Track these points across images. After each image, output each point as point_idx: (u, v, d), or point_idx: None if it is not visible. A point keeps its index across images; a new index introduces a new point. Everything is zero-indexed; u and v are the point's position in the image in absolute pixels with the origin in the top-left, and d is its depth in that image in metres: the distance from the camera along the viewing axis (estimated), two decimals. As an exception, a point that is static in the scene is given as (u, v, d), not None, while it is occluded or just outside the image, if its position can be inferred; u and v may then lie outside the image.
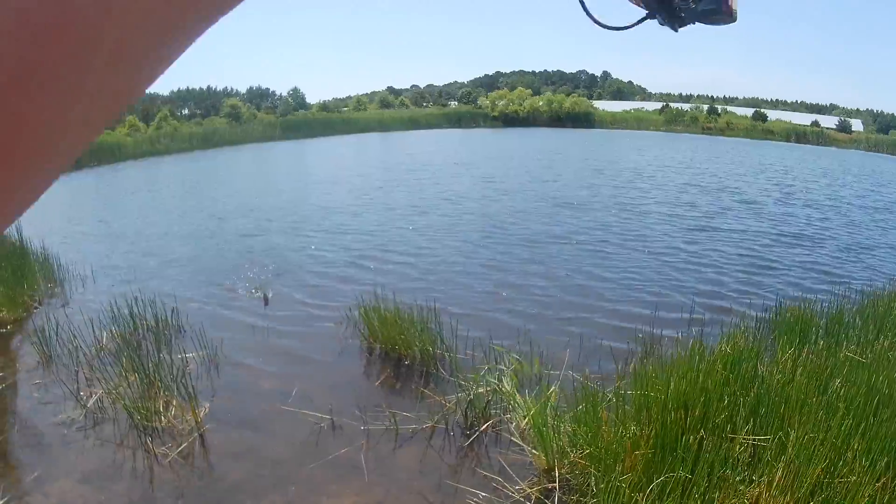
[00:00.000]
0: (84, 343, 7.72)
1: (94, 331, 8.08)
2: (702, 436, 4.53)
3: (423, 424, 6.03)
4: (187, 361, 7.34)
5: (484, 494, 4.97)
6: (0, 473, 5.42)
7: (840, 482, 4.15)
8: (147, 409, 6.07)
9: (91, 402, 6.41)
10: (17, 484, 5.22)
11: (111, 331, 8.12)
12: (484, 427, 5.92)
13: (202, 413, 6.15)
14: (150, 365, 6.79)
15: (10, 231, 11.02)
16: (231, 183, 27.94)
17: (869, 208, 21.14)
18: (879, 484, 4.11)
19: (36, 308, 9.77)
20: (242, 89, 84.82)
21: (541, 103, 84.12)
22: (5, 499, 4.91)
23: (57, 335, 8.01)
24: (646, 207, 19.17)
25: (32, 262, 11.01)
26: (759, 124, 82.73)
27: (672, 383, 5.19)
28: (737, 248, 13.76)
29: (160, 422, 6.04)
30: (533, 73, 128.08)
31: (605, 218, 17.02)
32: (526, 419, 5.57)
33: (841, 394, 5.21)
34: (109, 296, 9.56)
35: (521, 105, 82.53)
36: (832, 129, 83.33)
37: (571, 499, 4.83)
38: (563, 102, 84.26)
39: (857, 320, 8.10)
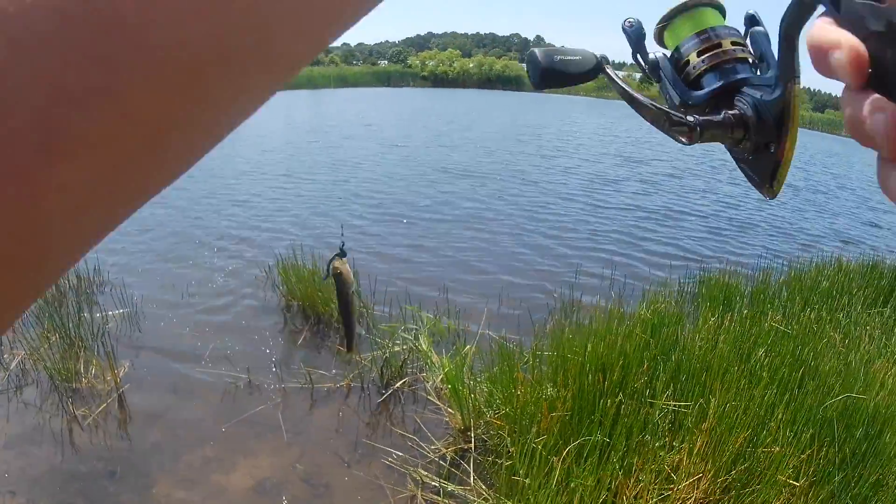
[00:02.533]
0: None
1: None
2: (620, 400, 4.53)
3: (339, 382, 6.04)
4: (108, 320, 7.18)
5: (399, 454, 4.99)
6: None
7: (763, 452, 4.19)
8: (68, 370, 5.96)
9: (13, 364, 6.25)
10: None
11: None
12: (399, 385, 5.93)
13: (121, 373, 6.06)
14: (71, 324, 6.63)
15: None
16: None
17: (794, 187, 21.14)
18: (805, 455, 4.16)
19: None
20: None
21: (471, 65, 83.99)
22: None
23: None
24: (567, 168, 19.36)
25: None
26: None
27: (590, 346, 5.19)
28: (657, 220, 13.67)
29: (80, 383, 5.94)
30: (465, 34, 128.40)
31: (527, 179, 17.00)
32: (441, 377, 5.59)
33: (765, 363, 5.24)
34: None
35: (451, 66, 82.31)
36: None
37: (487, 459, 4.86)
38: (494, 65, 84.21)
39: (784, 291, 8.19)
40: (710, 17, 1.08)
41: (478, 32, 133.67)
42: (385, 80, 78.50)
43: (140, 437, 5.23)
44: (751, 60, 1.04)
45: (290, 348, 6.88)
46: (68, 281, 8.09)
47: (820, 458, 4.21)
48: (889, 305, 8.11)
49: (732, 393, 4.67)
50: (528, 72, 1.09)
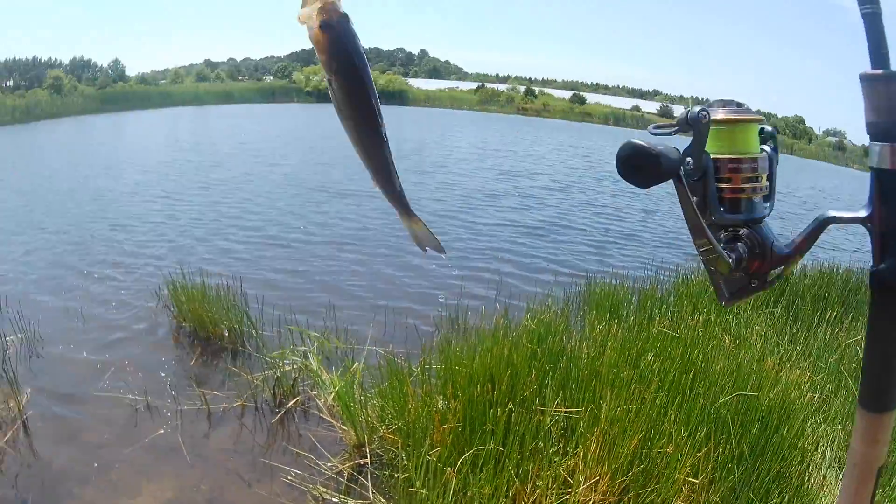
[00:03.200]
0: None
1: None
2: (510, 409, 4.62)
3: (234, 403, 6.06)
4: (7, 344, 7.06)
5: (298, 472, 5.03)
6: None
7: (659, 452, 4.30)
8: None
9: None
10: None
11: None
12: (292, 404, 5.99)
13: (24, 400, 5.97)
14: None
15: None
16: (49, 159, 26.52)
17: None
18: (701, 454, 4.28)
19: None
20: (66, 60, 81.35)
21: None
22: None
23: None
24: (447, 184, 19.43)
25: None
26: (576, 107, 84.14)
27: (477, 357, 5.32)
28: (540, 234, 13.75)
29: None
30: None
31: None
32: (332, 395, 5.66)
33: (654, 368, 5.36)
34: None
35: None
36: (653, 113, 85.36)
37: (384, 473, 4.91)
38: (378, 80, 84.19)
39: (672, 297, 8.37)
40: (753, 141, 1.22)
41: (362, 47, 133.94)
42: (270, 95, 77.44)
43: (47, 463, 5.18)
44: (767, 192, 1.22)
45: (184, 370, 6.85)
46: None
47: (717, 455, 4.35)
48: (779, 304, 8.34)
49: (623, 397, 4.78)
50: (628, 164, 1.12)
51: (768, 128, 1.21)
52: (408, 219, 2.68)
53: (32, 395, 6.08)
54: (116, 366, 6.73)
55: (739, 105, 1.21)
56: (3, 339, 7.08)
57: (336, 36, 1.69)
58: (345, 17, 1.70)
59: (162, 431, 5.58)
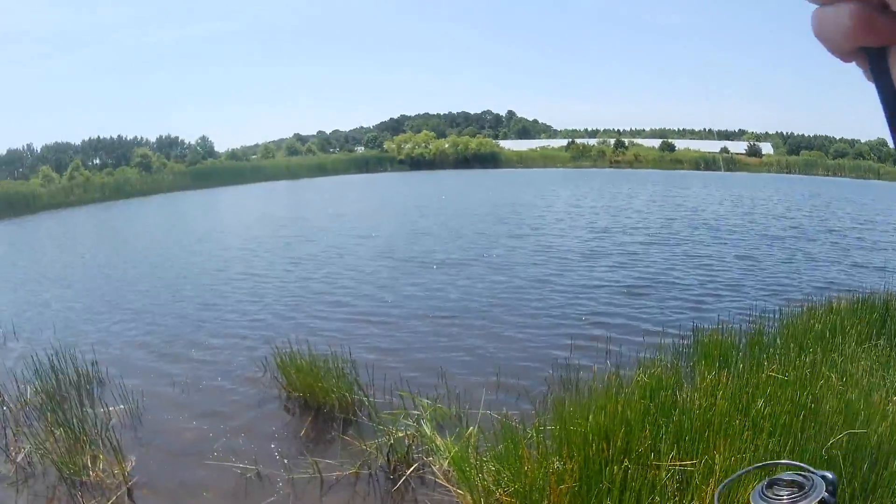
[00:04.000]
0: (10, 398, 7.63)
1: (17, 385, 7.95)
2: (626, 466, 4.55)
3: (347, 471, 6.02)
4: (111, 415, 7.27)
5: None
6: None
7: None
8: (75, 463, 5.99)
9: (20, 457, 6.32)
10: None
11: (35, 385, 7.94)
12: (406, 470, 5.91)
13: (129, 466, 6.10)
14: (75, 419, 6.67)
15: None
16: (143, 236, 27.28)
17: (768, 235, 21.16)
18: None
19: None
20: (152, 138, 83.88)
21: (446, 145, 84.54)
22: None
23: None
24: (546, 246, 19.06)
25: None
26: (667, 154, 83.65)
27: (591, 416, 5.25)
28: (643, 286, 13.63)
29: (89, 476, 5.96)
30: (438, 115, 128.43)
31: (505, 262, 16.71)
32: (448, 460, 5.61)
33: (765, 413, 5.29)
34: (29, 349, 9.53)
35: (427, 148, 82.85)
36: (742, 154, 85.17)
37: None
38: (469, 144, 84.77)
39: (778, 340, 8.19)
40: None
41: (450, 112, 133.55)
42: (363, 165, 78.35)
43: None
44: None
45: (295, 438, 6.89)
46: (68, 377, 8.17)
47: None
48: (882, 337, 8.20)
49: (737, 446, 4.70)
50: None
51: None
52: None
53: (137, 462, 6.20)
54: (225, 435, 6.83)
55: None
56: (106, 408, 7.29)
57: None
58: None
59: (273, 499, 5.60)
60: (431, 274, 15.08)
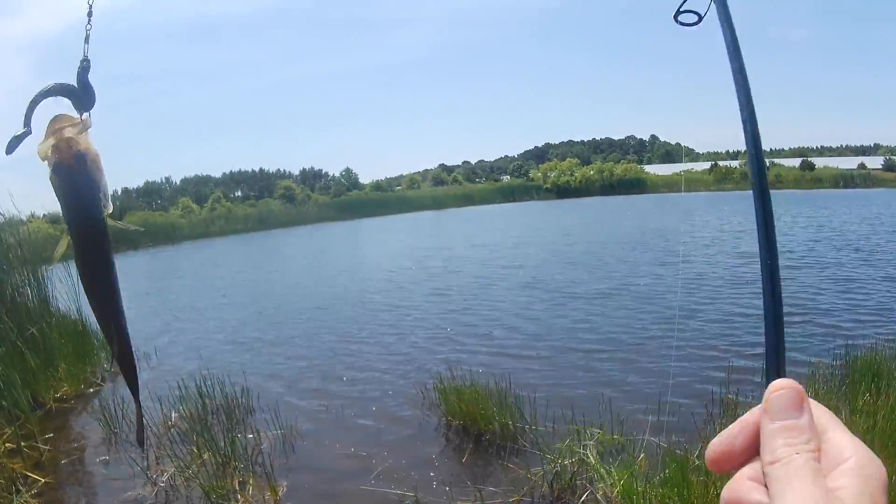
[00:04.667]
0: (152, 421, 7.65)
1: (161, 409, 8.05)
2: None
3: (510, 498, 5.84)
4: (261, 440, 7.29)
5: None
6: None
7: None
8: (222, 487, 5.99)
9: (163, 480, 6.36)
10: None
11: (180, 409, 8.06)
12: (578, 501, 5.67)
13: (280, 492, 6.06)
14: (224, 443, 6.71)
15: (70, 308, 11.01)
16: (292, 261, 27.98)
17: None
18: None
19: (99, 385, 9.84)
20: (295, 171, 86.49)
21: (592, 172, 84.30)
22: None
23: (123, 412, 8.05)
24: (700, 274, 18.43)
25: (93, 339, 10.98)
26: (807, 174, 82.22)
27: None
28: (790, 308, 13.07)
29: (237, 500, 5.94)
30: (582, 142, 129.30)
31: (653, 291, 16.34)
32: (617, 488, 5.44)
33: None
34: (174, 374, 9.72)
35: (573, 175, 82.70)
36: (879, 169, 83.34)
37: None
38: (615, 170, 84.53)
39: None
40: None
41: (593, 138, 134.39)
42: (509, 194, 78.97)
43: None
44: None
45: (455, 466, 6.75)
46: (215, 402, 8.27)
47: None
48: None
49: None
50: None
51: None
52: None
53: (289, 488, 6.16)
54: (382, 461, 6.75)
55: None
56: (256, 434, 7.31)
57: (65, 182, 1.72)
58: (81, 158, 1.72)
59: None
60: (578, 304, 14.81)
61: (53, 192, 1.77)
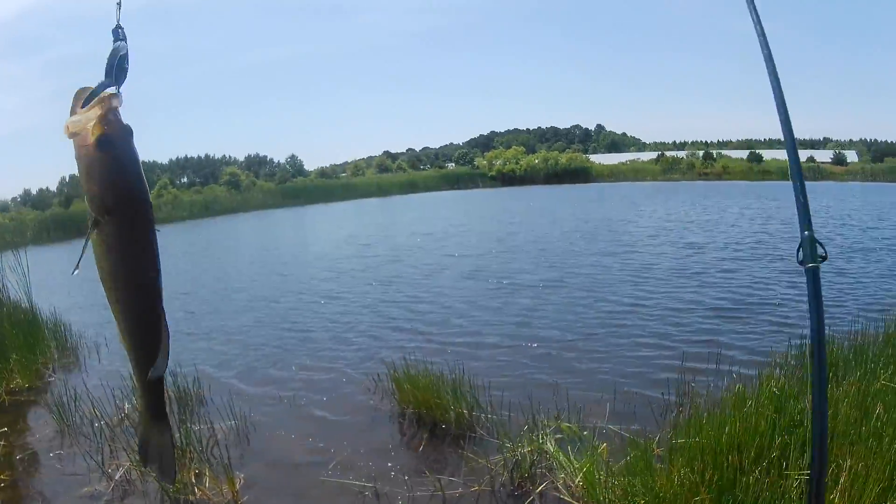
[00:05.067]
0: (105, 413, 7.64)
1: (114, 401, 8.00)
2: (757, 476, 4.62)
3: (470, 488, 5.88)
4: (216, 431, 7.23)
5: None
6: None
7: None
8: (179, 480, 5.90)
9: (118, 474, 6.30)
10: None
11: (133, 401, 7.89)
12: (534, 488, 5.74)
13: (238, 484, 6.03)
14: (179, 435, 6.62)
15: (21, 297, 11.05)
16: (237, 249, 27.97)
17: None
18: None
19: (51, 377, 9.80)
20: (240, 157, 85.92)
21: (537, 161, 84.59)
22: None
23: (76, 404, 7.94)
24: (646, 265, 18.59)
25: (43, 329, 11.00)
26: (755, 166, 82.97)
27: (727, 426, 5.24)
28: (742, 297, 13.55)
29: (194, 494, 5.92)
30: (527, 130, 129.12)
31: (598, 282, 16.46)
32: (579, 475, 5.52)
33: (885, 420, 5.29)
34: (126, 364, 9.38)
35: (518, 164, 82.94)
36: (828, 162, 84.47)
37: None
38: (560, 159, 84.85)
39: (890, 350, 7.86)
40: None
41: (539, 127, 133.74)
42: (454, 182, 78.96)
43: None
44: None
45: (412, 455, 6.78)
46: (167, 392, 8.16)
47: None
48: None
49: (861, 453, 4.74)
50: None
51: None
52: (155, 424, 2.19)
53: (246, 480, 6.15)
54: (339, 451, 6.77)
55: None
56: (210, 425, 7.25)
57: (117, 158, 1.60)
58: (129, 131, 1.63)
59: None
60: (527, 293, 14.90)
61: (86, 169, 1.66)
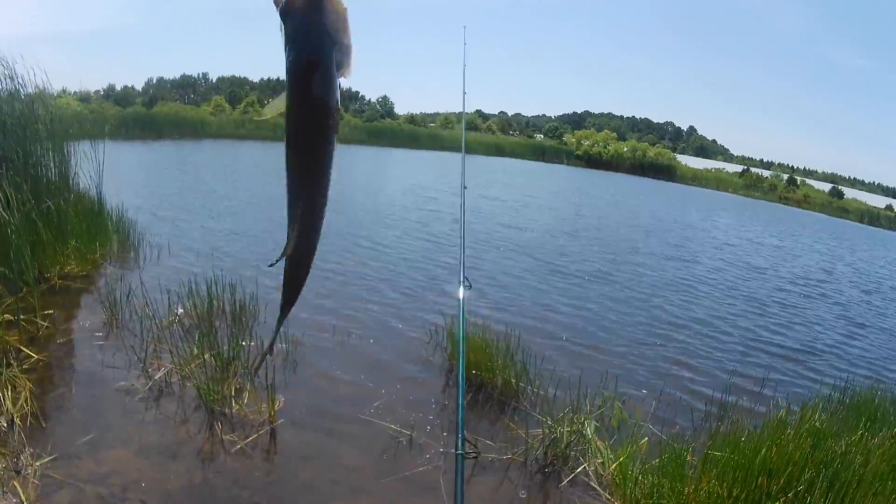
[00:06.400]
0: (156, 313, 7.72)
1: (169, 303, 8.13)
2: None
3: (503, 455, 5.94)
4: (262, 349, 7.15)
5: None
6: (51, 428, 5.41)
7: None
8: (218, 392, 6.04)
9: (159, 375, 6.43)
10: (67, 443, 5.20)
11: (186, 305, 8.10)
12: (566, 468, 5.79)
13: (278, 405, 6.12)
14: (227, 347, 6.74)
15: (90, 187, 11.12)
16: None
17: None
18: None
19: (106, 269, 9.94)
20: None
21: (625, 149, 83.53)
22: (53, 456, 4.90)
23: (127, 299, 8.11)
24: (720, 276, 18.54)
25: (107, 221, 11.10)
26: (835, 201, 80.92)
27: (764, 450, 5.21)
28: (800, 328, 13.39)
29: (231, 408, 6.03)
30: (621, 117, 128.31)
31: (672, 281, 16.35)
32: (613, 466, 5.59)
33: None
34: (185, 272, 9.72)
35: (606, 148, 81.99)
36: None
37: None
38: (648, 151, 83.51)
39: None
40: None
41: (633, 116, 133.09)
42: (540, 154, 77.76)
43: (290, 474, 5.27)
44: None
45: (453, 412, 6.73)
46: (222, 303, 8.34)
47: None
48: None
49: None
50: None
51: None
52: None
53: (286, 405, 6.23)
54: (382, 395, 6.84)
55: None
56: (260, 343, 7.29)
57: (292, 33, 1.48)
58: (319, 4, 1.47)
59: (422, 469, 5.55)
60: (589, 280, 14.70)
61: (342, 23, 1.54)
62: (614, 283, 14.73)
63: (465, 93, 7.56)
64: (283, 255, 1.73)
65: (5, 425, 5.19)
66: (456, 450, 3.28)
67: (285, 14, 1.37)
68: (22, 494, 4.35)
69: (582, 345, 9.71)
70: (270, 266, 2.03)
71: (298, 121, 1.52)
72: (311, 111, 1.48)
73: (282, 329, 2.26)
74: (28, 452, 4.84)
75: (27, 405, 5.46)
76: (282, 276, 2.00)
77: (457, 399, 3.69)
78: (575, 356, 9.12)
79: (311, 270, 1.89)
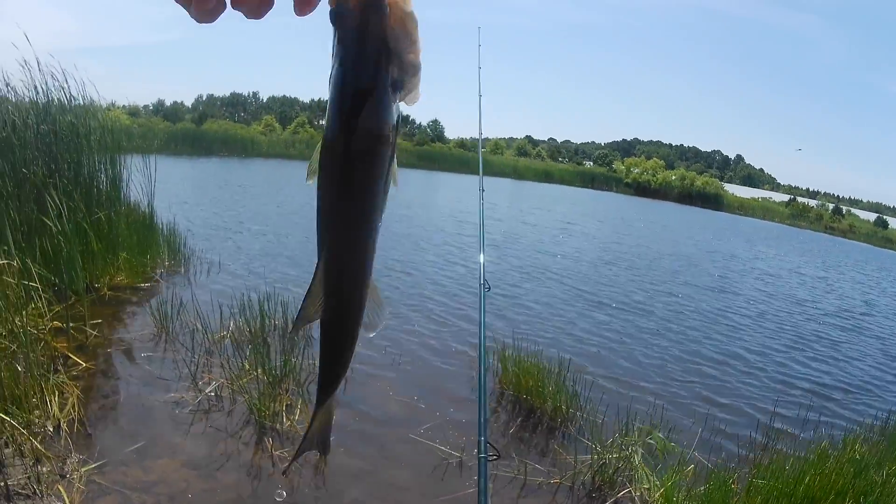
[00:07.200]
0: (207, 327, 7.86)
1: (221, 317, 8.17)
2: None
3: (551, 479, 5.94)
4: (316, 368, 7.04)
5: None
6: (98, 435, 5.47)
7: None
8: (269, 408, 6.11)
9: (210, 388, 6.50)
10: (115, 450, 5.25)
11: (237, 321, 8.15)
12: (616, 496, 5.76)
13: (326, 419, 5.92)
14: (279, 364, 6.78)
15: (142, 200, 11.27)
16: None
17: None
18: None
19: (157, 281, 10.05)
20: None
21: (674, 177, 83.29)
22: (100, 462, 4.95)
23: (178, 313, 8.23)
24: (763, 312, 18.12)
25: (158, 234, 11.26)
26: (879, 230, 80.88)
27: (807, 478, 5.32)
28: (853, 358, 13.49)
29: (282, 424, 6.07)
30: (670, 145, 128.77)
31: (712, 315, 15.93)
32: (659, 493, 5.59)
33: None
34: (237, 287, 9.82)
35: (655, 176, 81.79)
36: None
37: None
38: (696, 180, 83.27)
39: None
40: None
41: (681, 144, 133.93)
42: (589, 181, 78.06)
43: (338, 492, 5.29)
44: None
45: (502, 435, 6.78)
46: (274, 320, 8.40)
47: None
48: None
49: None
50: None
51: None
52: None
53: (337, 422, 6.09)
54: (432, 416, 6.83)
55: None
56: (312, 361, 7.19)
57: (340, 40, 1.10)
58: (380, 6, 1.04)
59: (472, 491, 5.49)
60: (632, 310, 14.51)
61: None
62: (653, 315, 14.49)
63: (480, 95, 7.45)
64: (300, 322, 1.17)
65: (52, 430, 5.28)
66: (478, 453, 3.40)
67: (338, 15, 0.97)
68: (67, 498, 4.43)
69: (633, 374, 9.67)
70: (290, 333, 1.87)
71: (341, 153, 1.14)
72: (358, 142, 1.12)
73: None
74: (74, 458, 4.92)
75: (74, 411, 5.56)
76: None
77: (479, 403, 3.83)
78: (625, 383, 9.10)
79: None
